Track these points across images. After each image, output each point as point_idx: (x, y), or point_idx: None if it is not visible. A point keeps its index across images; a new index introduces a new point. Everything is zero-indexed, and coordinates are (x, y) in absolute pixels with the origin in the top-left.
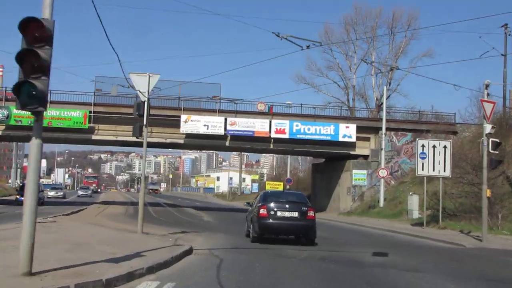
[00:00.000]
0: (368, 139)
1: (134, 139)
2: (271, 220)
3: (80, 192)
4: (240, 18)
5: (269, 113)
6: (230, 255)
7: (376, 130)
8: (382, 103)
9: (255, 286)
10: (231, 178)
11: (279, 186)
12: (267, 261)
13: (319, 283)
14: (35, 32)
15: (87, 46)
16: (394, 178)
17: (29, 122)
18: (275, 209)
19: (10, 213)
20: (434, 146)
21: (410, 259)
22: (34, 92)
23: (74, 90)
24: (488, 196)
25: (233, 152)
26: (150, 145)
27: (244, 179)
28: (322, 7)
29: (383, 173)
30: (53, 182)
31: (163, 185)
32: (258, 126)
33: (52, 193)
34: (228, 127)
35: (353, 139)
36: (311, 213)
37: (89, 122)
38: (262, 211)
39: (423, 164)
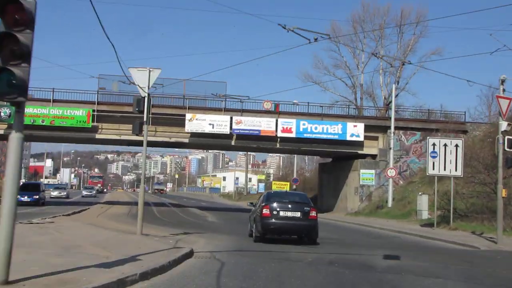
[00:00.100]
0: (376, 138)
1: (138, 138)
2: (273, 220)
3: (84, 192)
4: (243, 15)
5: (276, 112)
6: (232, 258)
7: (385, 129)
8: (390, 102)
9: None
10: (237, 178)
11: (285, 186)
12: (271, 265)
13: None
14: (15, 15)
15: (89, 46)
16: (403, 178)
17: (32, 121)
18: (278, 209)
19: None
20: (445, 145)
21: (424, 262)
22: (13, 81)
23: (77, 89)
24: (504, 196)
25: (240, 152)
26: (155, 144)
27: (250, 179)
28: (329, 4)
29: (391, 172)
30: (59, 182)
31: (169, 185)
32: (264, 125)
33: (55, 193)
34: (234, 126)
35: (361, 138)
36: (313, 213)
37: (93, 121)
38: (265, 211)
39: (433, 163)
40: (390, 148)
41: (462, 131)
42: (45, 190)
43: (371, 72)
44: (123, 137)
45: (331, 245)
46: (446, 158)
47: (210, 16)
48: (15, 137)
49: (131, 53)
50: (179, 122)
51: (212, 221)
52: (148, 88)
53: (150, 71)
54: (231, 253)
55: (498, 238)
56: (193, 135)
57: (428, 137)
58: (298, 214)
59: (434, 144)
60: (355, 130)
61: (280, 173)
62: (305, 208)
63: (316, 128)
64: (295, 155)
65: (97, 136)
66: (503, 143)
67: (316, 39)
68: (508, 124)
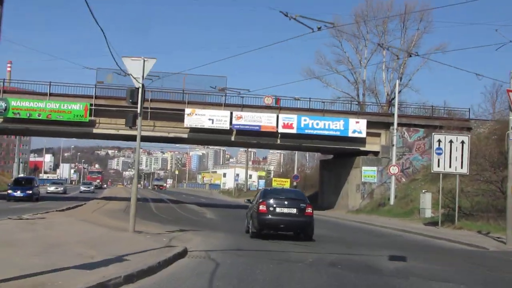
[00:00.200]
0: (378, 135)
1: (136, 132)
2: (270, 216)
3: (82, 188)
4: (243, 5)
5: (277, 107)
6: (228, 257)
7: (387, 126)
8: (393, 98)
9: None
10: (237, 175)
11: (285, 183)
12: (269, 266)
13: None
14: None
15: (88, 38)
16: (405, 175)
17: (28, 115)
18: (274, 206)
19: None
20: (451, 141)
21: (433, 264)
22: None
23: (75, 83)
24: None
25: (240, 149)
26: (153, 139)
27: (250, 175)
28: None
29: (394, 170)
30: (58, 177)
31: (169, 181)
32: (265, 120)
33: (51, 188)
34: (234, 121)
35: (363, 135)
36: (309, 210)
37: (90, 115)
38: (262, 207)
39: (439, 160)
40: (393, 145)
41: (466, 128)
42: (40, 185)
43: (374, 65)
44: (120, 132)
45: (332, 244)
46: (452, 155)
47: (211, 8)
48: None
49: (130, 50)
50: (178, 117)
51: (210, 218)
52: (143, 79)
53: (144, 60)
54: (227, 252)
55: (508, 239)
56: (192, 130)
57: (433, 133)
58: (294, 211)
59: (439, 141)
60: (357, 127)
61: (281, 170)
62: (301, 204)
63: (317, 124)
64: (296, 152)
65: (95, 130)
66: None
67: (319, 28)
68: None
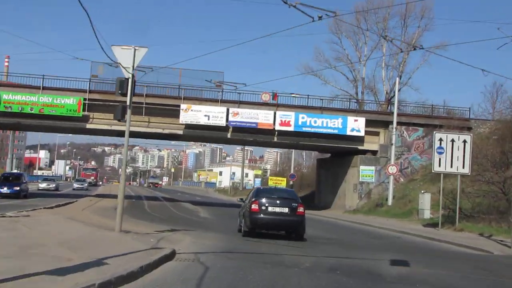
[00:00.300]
0: (377, 134)
1: (130, 129)
2: (262, 215)
3: (76, 185)
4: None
5: (274, 104)
6: (219, 260)
7: (386, 124)
8: (392, 97)
9: None
10: (233, 173)
11: (282, 182)
12: (263, 271)
13: None
14: None
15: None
16: (404, 175)
17: (20, 109)
18: (267, 205)
19: None
20: (452, 140)
21: (437, 269)
22: None
23: (69, 76)
24: None
25: (237, 147)
26: (147, 135)
27: (247, 174)
28: None
29: (392, 169)
30: (53, 174)
31: (165, 179)
32: (262, 117)
33: (43, 185)
34: (230, 118)
35: (362, 133)
36: (300, 209)
37: (84, 110)
38: (254, 206)
39: (440, 159)
40: (392, 144)
41: (467, 127)
42: (32, 182)
43: (373, 63)
44: (114, 127)
45: (330, 246)
46: (454, 154)
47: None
48: None
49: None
50: (174, 113)
51: (204, 217)
52: (133, 69)
53: (135, 49)
54: (218, 255)
55: None
56: (188, 126)
57: (434, 132)
58: (286, 210)
59: (441, 140)
60: (355, 125)
61: (277, 169)
62: (293, 204)
63: (315, 121)
64: (293, 150)
65: (88, 126)
66: None
67: (320, 17)
68: None
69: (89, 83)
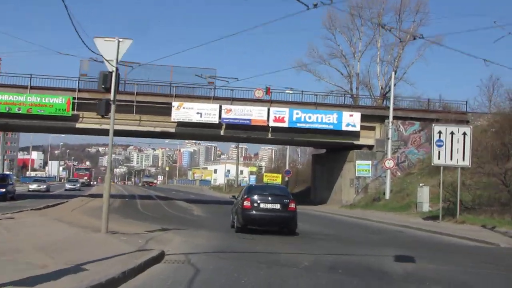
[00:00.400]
0: (373, 129)
1: (121, 128)
2: (254, 212)
3: (68, 186)
4: None
5: (268, 101)
6: (211, 262)
7: (382, 119)
8: (387, 92)
9: None
10: (228, 171)
11: (277, 178)
12: (258, 272)
13: None
14: None
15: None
16: (401, 169)
17: (7, 109)
18: (258, 201)
19: None
20: (452, 133)
21: (445, 265)
22: None
23: (57, 75)
24: None
25: (232, 145)
26: (139, 134)
27: (241, 171)
28: None
29: (389, 163)
30: (47, 175)
31: (160, 177)
32: (256, 114)
33: (33, 186)
34: (223, 115)
35: (357, 128)
36: (292, 205)
37: (73, 109)
38: (246, 203)
39: (439, 152)
40: (388, 138)
41: (464, 121)
42: (14, 183)
43: (367, 62)
44: (103, 126)
45: (328, 242)
46: (453, 147)
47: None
48: None
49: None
50: (165, 111)
51: (197, 215)
52: (117, 62)
53: (119, 41)
54: (210, 255)
55: None
56: (180, 124)
57: (433, 125)
58: (277, 206)
59: (440, 132)
60: (351, 120)
61: (272, 166)
62: (284, 200)
63: (310, 117)
64: (288, 147)
65: (78, 125)
66: None
67: (315, 5)
68: None
69: (78, 82)
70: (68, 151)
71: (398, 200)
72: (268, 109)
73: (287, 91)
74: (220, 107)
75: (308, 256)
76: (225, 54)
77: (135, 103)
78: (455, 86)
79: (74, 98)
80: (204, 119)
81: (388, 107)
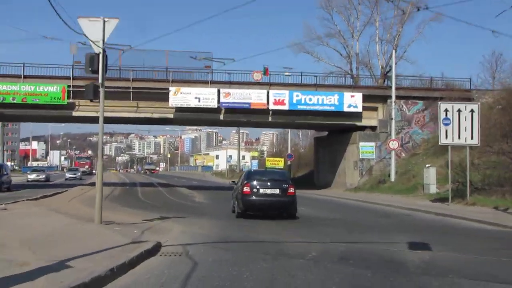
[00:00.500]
0: (375, 109)
1: (117, 115)
2: (254, 197)
3: (68, 175)
4: None
5: (267, 83)
6: (210, 253)
7: (384, 99)
8: (388, 71)
9: None
10: (230, 156)
11: (279, 162)
12: (261, 265)
13: None
14: None
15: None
16: (405, 150)
17: (1, 99)
18: (258, 187)
19: None
20: (459, 110)
21: (465, 253)
22: None
23: (51, 63)
24: None
25: (233, 131)
26: (136, 120)
27: (243, 156)
28: None
29: (393, 144)
30: (48, 164)
31: (162, 165)
32: (255, 97)
33: (32, 176)
34: (222, 99)
35: (359, 109)
36: (291, 190)
37: (68, 97)
38: (246, 189)
39: (446, 131)
40: (392, 119)
41: (468, 99)
42: (8, 174)
43: (366, 41)
44: (99, 114)
45: (335, 229)
46: (461, 125)
47: None
48: None
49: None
50: (163, 96)
51: (199, 202)
52: (103, 43)
53: (104, 21)
54: (210, 246)
55: None
56: (178, 110)
57: (439, 102)
58: (277, 191)
59: (446, 110)
60: (352, 101)
61: (274, 150)
62: (283, 185)
63: (310, 99)
64: (289, 130)
65: (74, 113)
66: None
67: None
68: None
69: (72, 70)
70: (69, 140)
71: (404, 182)
72: (268, 92)
73: (286, 73)
74: (218, 91)
75: (315, 245)
76: (220, 38)
77: (131, 90)
78: (457, 64)
79: (69, 86)
80: (203, 103)
81: (390, 87)
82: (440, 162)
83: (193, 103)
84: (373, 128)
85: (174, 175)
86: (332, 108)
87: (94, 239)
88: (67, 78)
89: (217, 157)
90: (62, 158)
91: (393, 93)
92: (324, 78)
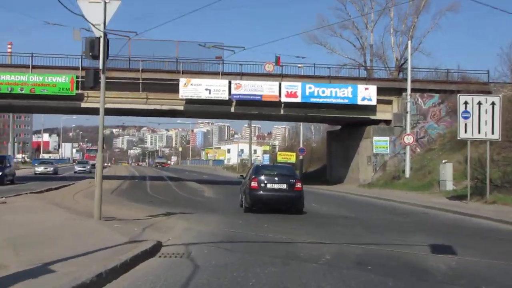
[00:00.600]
0: (390, 102)
1: (127, 106)
2: (261, 192)
3: (77, 168)
4: None
5: (279, 75)
6: (214, 255)
7: (399, 92)
8: (402, 64)
9: None
10: (241, 150)
11: (291, 157)
12: (270, 269)
13: None
14: None
15: None
16: (420, 145)
17: (9, 90)
18: (265, 182)
19: None
20: (479, 103)
21: (496, 258)
22: None
23: (59, 53)
24: None
25: (245, 124)
26: (146, 112)
27: (255, 150)
28: None
29: (408, 139)
30: (60, 157)
31: (174, 158)
32: (267, 89)
33: (40, 169)
34: (233, 91)
35: (374, 102)
36: (298, 185)
37: (77, 88)
38: (253, 184)
39: (466, 125)
40: (407, 112)
41: (485, 92)
42: (12, 165)
43: (381, 32)
44: (108, 105)
45: (350, 228)
46: (481, 118)
47: None
48: None
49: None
50: (173, 88)
51: (208, 197)
52: (104, 26)
53: (105, 2)
54: (214, 246)
55: None
56: (189, 101)
57: (459, 95)
58: (284, 186)
59: (466, 103)
60: (366, 93)
61: (286, 144)
62: (290, 180)
63: (323, 91)
64: (301, 124)
65: (83, 105)
66: None
67: None
68: None
69: (81, 60)
70: (81, 133)
71: (419, 178)
72: (280, 84)
73: (299, 65)
74: (230, 82)
75: (329, 247)
76: (231, 28)
77: (141, 81)
78: (474, 57)
79: (78, 77)
80: (213, 95)
81: (405, 79)
82: (457, 158)
83: (204, 95)
84: (387, 122)
85: (185, 168)
86: (346, 101)
87: (89, 238)
88: (76, 68)
89: (228, 151)
90: (74, 150)
91: (409, 85)
92: (338, 70)
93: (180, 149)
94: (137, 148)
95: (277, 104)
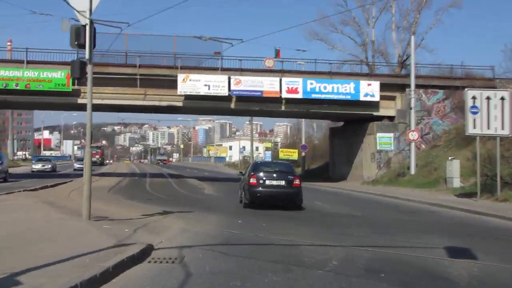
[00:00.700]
0: (393, 98)
1: (125, 102)
2: (260, 188)
3: (76, 165)
4: None
5: (279, 71)
6: (209, 259)
7: (402, 88)
8: (405, 60)
9: None
10: (243, 147)
11: (293, 154)
12: (270, 277)
13: None
14: None
15: None
16: (425, 141)
17: (4, 85)
18: (264, 178)
19: None
20: (488, 98)
21: None
22: None
23: (55, 48)
24: None
25: (246, 121)
26: (144, 108)
27: (257, 147)
28: None
29: (413, 135)
30: (61, 154)
31: (176, 155)
32: (267, 85)
33: (37, 166)
34: (233, 87)
35: (376, 98)
36: (296, 181)
37: (73, 84)
38: (252, 180)
39: (474, 120)
40: (411, 108)
41: (491, 88)
42: (4, 162)
43: (382, 28)
44: (105, 102)
45: (357, 228)
46: (490, 114)
47: None
48: None
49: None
50: (171, 83)
51: (208, 194)
52: (91, 13)
53: None
54: (210, 249)
55: None
56: (187, 97)
57: (466, 89)
58: (282, 183)
59: (474, 98)
60: (369, 89)
61: (288, 141)
62: (289, 176)
63: (325, 87)
64: (303, 120)
65: (79, 100)
66: None
67: None
68: None
69: (77, 55)
70: (82, 130)
71: (425, 175)
72: (280, 80)
73: (299, 62)
74: (229, 78)
75: (335, 250)
76: (230, 23)
77: (138, 76)
78: (477, 53)
79: None
80: (213, 91)
81: (408, 75)
82: (463, 154)
83: (203, 91)
84: (391, 118)
85: (187, 166)
86: (348, 97)
87: (72, 241)
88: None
89: (230, 148)
90: (75, 147)
91: (412, 80)
92: (339, 66)
93: (182, 146)
94: (139, 145)
95: (278, 100)
